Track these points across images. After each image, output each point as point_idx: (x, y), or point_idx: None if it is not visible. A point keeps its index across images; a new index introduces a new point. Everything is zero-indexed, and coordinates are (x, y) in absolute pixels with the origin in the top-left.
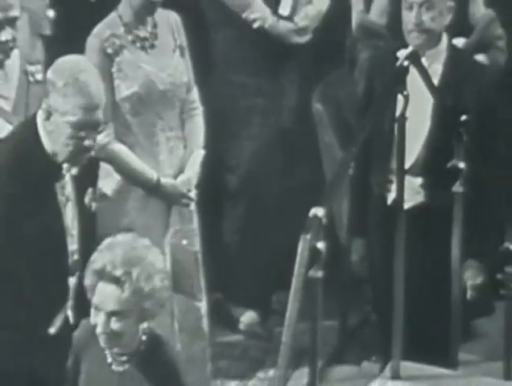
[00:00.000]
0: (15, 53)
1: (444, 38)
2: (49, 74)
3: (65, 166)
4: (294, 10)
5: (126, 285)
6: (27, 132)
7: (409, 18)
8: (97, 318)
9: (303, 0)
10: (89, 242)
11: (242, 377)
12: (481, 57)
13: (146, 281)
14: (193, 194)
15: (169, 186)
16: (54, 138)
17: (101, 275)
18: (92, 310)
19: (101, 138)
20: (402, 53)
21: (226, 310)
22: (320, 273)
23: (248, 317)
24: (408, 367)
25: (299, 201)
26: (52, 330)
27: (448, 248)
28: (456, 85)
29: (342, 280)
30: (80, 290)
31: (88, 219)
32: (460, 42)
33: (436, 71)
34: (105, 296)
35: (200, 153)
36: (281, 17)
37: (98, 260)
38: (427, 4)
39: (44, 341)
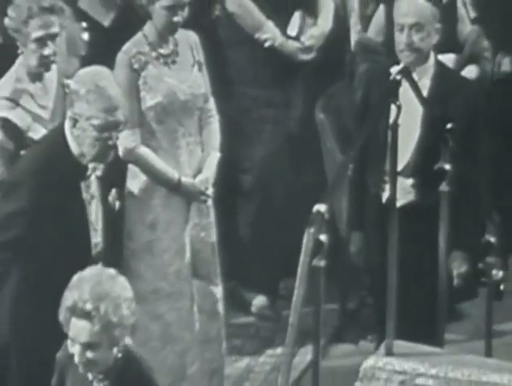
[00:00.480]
0: (54, 67)
1: (432, 56)
2: (72, 84)
3: (91, 166)
4: (300, 31)
5: (96, 320)
6: (56, 138)
7: (400, 38)
8: (73, 349)
9: (308, 22)
10: (112, 236)
11: (254, 354)
12: (472, 67)
13: (114, 312)
14: (210, 191)
15: (189, 185)
16: (81, 141)
17: (73, 311)
18: (69, 342)
19: (129, 143)
20: (394, 69)
21: (239, 295)
22: (322, 262)
23: (259, 301)
24: (400, 345)
25: (303, 198)
26: None
27: (436, 241)
28: (442, 97)
29: (342, 268)
30: None
31: (111, 216)
32: (450, 57)
33: (425, 84)
34: (78, 330)
35: (216, 156)
36: (289, 37)
37: (69, 297)
38: (417, 26)
39: None
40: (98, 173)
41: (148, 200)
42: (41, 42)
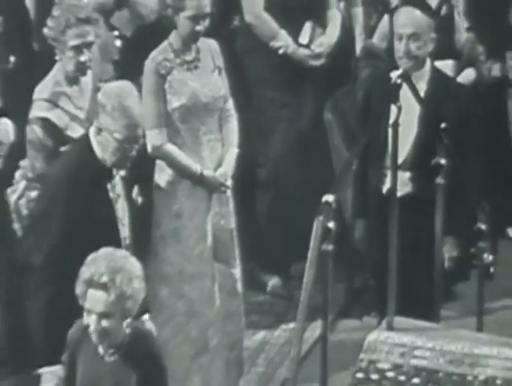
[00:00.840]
0: (89, 72)
1: (428, 62)
2: (100, 97)
3: (115, 169)
4: (311, 39)
5: (111, 290)
6: (84, 144)
7: (399, 46)
8: (89, 319)
9: (318, 31)
10: (138, 229)
11: (269, 328)
12: (470, 70)
13: (128, 285)
14: (229, 183)
15: (210, 178)
16: (103, 149)
17: (90, 283)
18: (85, 313)
19: (157, 141)
20: (394, 74)
21: (256, 276)
22: (330, 247)
23: (273, 281)
24: (400, 321)
25: (313, 190)
26: None
27: (432, 228)
28: (437, 99)
29: (347, 252)
30: None
31: (136, 211)
32: (449, 63)
33: (422, 88)
34: (95, 300)
35: (234, 151)
36: (300, 45)
37: (86, 271)
38: (414, 36)
39: None
40: (122, 174)
41: (174, 192)
42: (77, 49)
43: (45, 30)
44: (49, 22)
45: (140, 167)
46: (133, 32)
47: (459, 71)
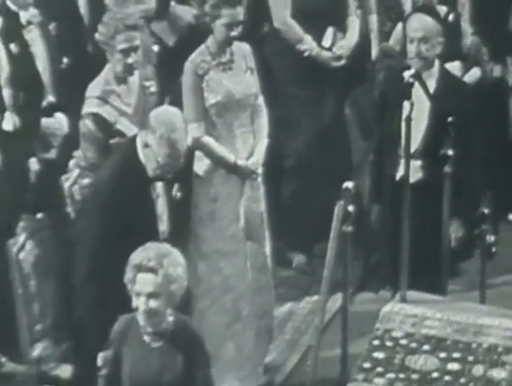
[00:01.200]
0: (136, 72)
1: (436, 63)
2: (151, 119)
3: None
4: (333, 43)
5: (159, 272)
6: (132, 145)
7: (411, 48)
8: (138, 302)
9: (339, 36)
10: (176, 219)
11: (295, 300)
12: (476, 70)
13: (173, 268)
14: (260, 171)
15: (243, 166)
16: (146, 161)
17: (139, 268)
18: (134, 297)
19: (196, 134)
20: (407, 73)
21: (283, 254)
22: (349, 228)
23: (298, 258)
24: (412, 294)
25: (334, 177)
26: None
27: (439, 211)
28: (445, 96)
29: (365, 233)
30: None
31: (175, 204)
32: (456, 64)
33: (431, 85)
34: (144, 282)
35: (264, 142)
36: (323, 48)
37: (136, 257)
38: (424, 39)
39: None
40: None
41: (211, 179)
42: (125, 53)
43: (96, 35)
44: (100, 28)
45: (180, 172)
46: (175, 40)
47: (466, 70)
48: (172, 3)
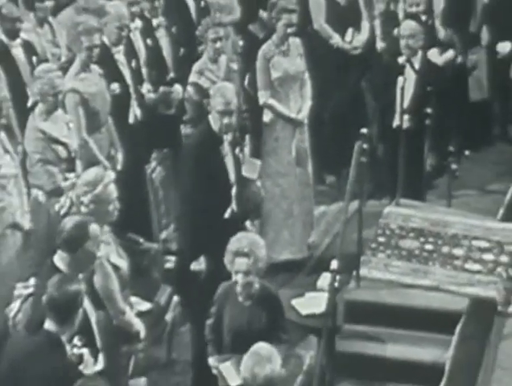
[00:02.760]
0: (223, 56)
1: (420, 51)
2: (212, 92)
3: (224, 137)
4: (352, 38)
5: (251, 256)
6: (206, 121)
7: (402, 42)
8: (237, 277)
9: (356, 34)
10: (239, 178)
11: (327, 204)
12: (451, 51)
13: (260, 252)
14: (306, 122)
15: (294, 118)
16: (214, 121)
17: (236, 253)
18: (233, 274)
19: (265, 97)
20: (401, 58)
21: (321, 175)
22: (364, 159)
23: (330, 178)
24: (403, 201)
25: (355, 126)
26: None
27: (422, 147)
28: (425, 73)
29: (374, 163)
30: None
31: (238, 165)
32: (435, 51)
33: (416, 66)
34: (240, 264)
35: (308, 103)
36: (346, 42)
37: (233, 245)
38: (411, 36)
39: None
40: (228, 138)
41: (274, 126)
42: (214, 41)
43: (197, 32)
44: (199, 27)
45: (239, 137)
46: (263, 35)
47: (441, 53)
48: (260, 11)
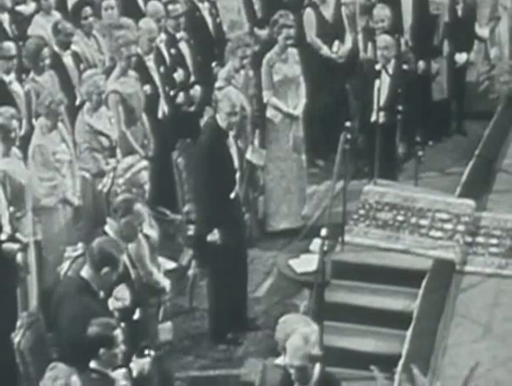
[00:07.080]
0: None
1: (392, 60)
2: (218, 95)
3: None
4: (338, 48)
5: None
6: (215, 119)
7: (379, 52)
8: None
9: (341, 45)
10: (244, 169)
11: (317, 183)
12: (405, 65)
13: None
14: (301, 115)
15: (292, 113)
16: (221, 120)
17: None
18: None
19: (268, 97)
20: (378, 65)
21: (312, 160)
22: (347, 146)
23: (320, 162)
24: (380, 181)
25: (341, 120)
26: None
27: (394, 138)
28: (397, 77)
29: (355, 147)
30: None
31: (242, 157)
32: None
33: (390, 71)
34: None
35: (303, 101)
36: (333, 52)
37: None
38: (385, 48)
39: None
40: (232, 133)
41: (275, 119)
42: (242, 58)
43: (227, 47)
44: (229, 43)
45: (242, 130)
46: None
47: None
48: (255, 29)
